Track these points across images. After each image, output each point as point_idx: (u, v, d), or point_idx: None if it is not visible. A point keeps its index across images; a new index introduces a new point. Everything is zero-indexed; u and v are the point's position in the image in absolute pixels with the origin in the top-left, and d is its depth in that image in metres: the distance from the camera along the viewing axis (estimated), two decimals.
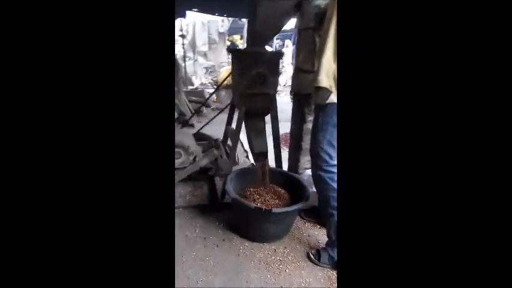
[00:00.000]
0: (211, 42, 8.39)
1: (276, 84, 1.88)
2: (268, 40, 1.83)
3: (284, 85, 7.66)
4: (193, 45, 8.19)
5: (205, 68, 8.39)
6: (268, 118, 1.98)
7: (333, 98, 1.33)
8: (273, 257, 1.61)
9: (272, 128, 2.00)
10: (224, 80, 2.43)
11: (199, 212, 1.99)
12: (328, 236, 1.57)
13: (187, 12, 5.25)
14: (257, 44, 1.80)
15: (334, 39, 1.28)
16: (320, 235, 1.83)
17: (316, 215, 1.94)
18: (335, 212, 1.46)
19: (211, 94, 4.28)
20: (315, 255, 1.60)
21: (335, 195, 1.42)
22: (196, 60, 8.15)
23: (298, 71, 1.98)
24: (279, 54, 1.86)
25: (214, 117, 3.08)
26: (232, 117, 2.29)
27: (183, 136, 1.99)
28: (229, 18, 7.91)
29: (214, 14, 5.95)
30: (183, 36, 6.89)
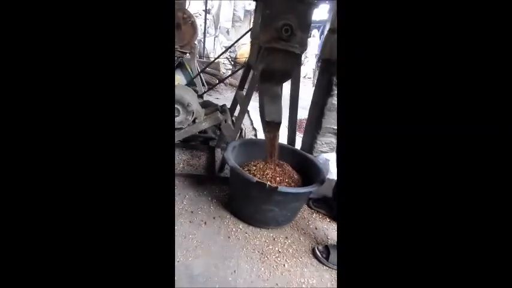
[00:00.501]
0: (235, 19, 8.01)
1: (304, 42, 1.54)
2: None
3: (304, 77, 7.24)
4: (216, 20, 7.83)
5: (225, 46, 8.03)
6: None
7: None
8: (270, 247, 1.31)
9: (290, 97, 1.67)
10: (240, 38, 2.08)
11: (192, 182, 1.71)
12: None
13: None
14: None
15: None
16: (330, 230, 1.52)
17: (327, 206, 1.63)
18: None
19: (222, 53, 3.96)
20: (322, 253, 1.29)
21: None
22: (217, 37, 7.79)
23: (332, 33, 1.63)
24: (311, 4, 1.51)
25: (218, 83, 2.81)
26: (245, 81, 1.97)
27: (184, 92, 1.68)
28: None
29: None
30: (206, 10, 6.52)
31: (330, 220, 1.60)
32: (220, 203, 1.55)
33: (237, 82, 4.53)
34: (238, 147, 1.60)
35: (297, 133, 1.97)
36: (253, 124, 3.06)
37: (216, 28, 7.86)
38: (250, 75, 1.72)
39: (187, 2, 4.97)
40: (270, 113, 1.59)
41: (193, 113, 1.68)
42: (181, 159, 1.98)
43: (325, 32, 1.73)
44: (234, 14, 7.91)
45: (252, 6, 7.97)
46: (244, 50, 5.34)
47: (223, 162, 1.77)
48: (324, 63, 1.72)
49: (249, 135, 2.81)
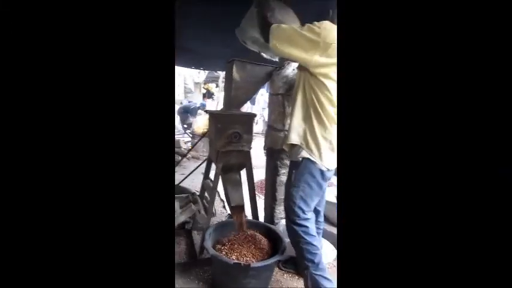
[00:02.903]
0: (187, 91, 8.71)
1: (250, 141, 2.06)
2: (243, 103, 2.05)
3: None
4: None
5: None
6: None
7: (304, 153, 1.50)
8: None
9: (248, 183, 2.12)
10: (196, 143, 2.56)
11: (179, 271, 1.96)
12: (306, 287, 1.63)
13: None
14: (233, 107, 2.00)
15: (302, 105, 1.51)
16: (299, 286, 1.86)
17: (294, 265, 1.99)
18: (310, 264, 1.54)
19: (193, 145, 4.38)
20: None
21: (309, 247, 1.52)
22: None
23: (270, 129, 2.19)
24: (252, 116, 2.07)
25: (194, 170, 3.16)
26: (209, 170, 2.39)
27: None
28: (206, 70, 8.34)
29: (190, 68, 6.27)
30: None
31: (299, 277, 1.95)
32: (206, 285, 1.83)
33: (198, 154, 4.93)
34: (213, 232, 1.95)
35: (258, 194, 2.41)
36: (220, 196, 3.42)
37: None
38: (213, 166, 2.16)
39: None
40: (233, 199, 2.00)
41: None
42: None
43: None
44: (185, 87, 8.63)
45: (201, 78, 8.83)
46: (200, 123, 5.89)
47: (202, 245, 2.08)
48: (269, 151, 2.25)
49: (218, 206, 3.15)
